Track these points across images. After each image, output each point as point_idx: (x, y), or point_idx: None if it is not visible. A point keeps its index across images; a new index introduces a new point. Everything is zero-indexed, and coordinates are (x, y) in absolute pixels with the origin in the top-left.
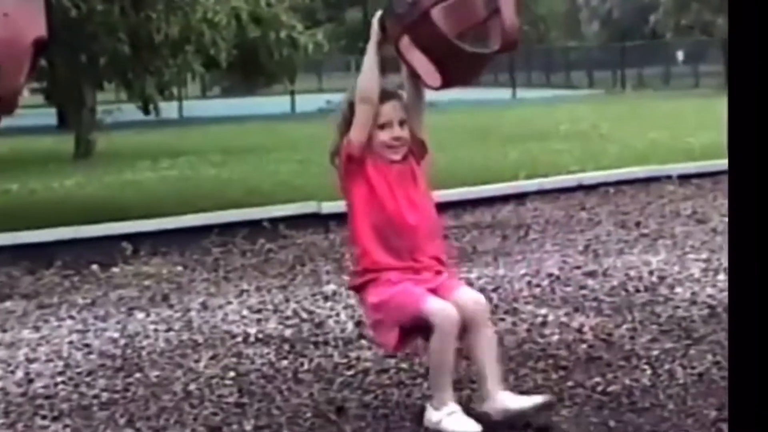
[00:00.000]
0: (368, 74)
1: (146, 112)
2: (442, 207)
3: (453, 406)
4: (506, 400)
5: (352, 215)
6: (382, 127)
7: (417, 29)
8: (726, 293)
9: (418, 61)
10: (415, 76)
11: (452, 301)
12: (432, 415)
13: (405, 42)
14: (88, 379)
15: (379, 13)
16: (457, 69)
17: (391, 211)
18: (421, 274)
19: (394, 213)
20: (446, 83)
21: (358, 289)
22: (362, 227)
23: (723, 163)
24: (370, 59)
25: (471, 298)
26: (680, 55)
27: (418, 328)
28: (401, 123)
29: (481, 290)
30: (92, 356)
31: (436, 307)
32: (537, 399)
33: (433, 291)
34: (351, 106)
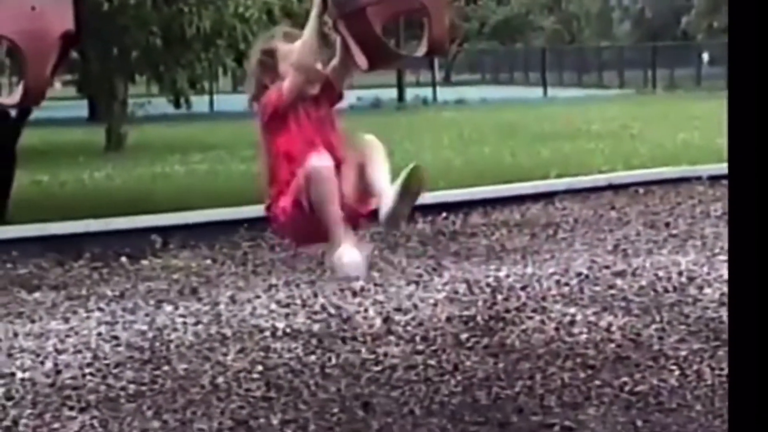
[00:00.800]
0: (308, 44)
1: (177, 105)
2: (472, 204)
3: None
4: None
5: (273, 158)
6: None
7: (352, 20)
8: None
9: (351, 42)
10: (347, 51)
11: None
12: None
13: (341, 23)
14: (115, 371)
15: None
16: (383, 60)
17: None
18: None
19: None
20: (371, 68)
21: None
22: (280, 170)
23: None
24: (310, 29)
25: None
26: (706, 56)
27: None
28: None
29: (510, 288)
30: (120, 348)
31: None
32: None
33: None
34: (270, 56)
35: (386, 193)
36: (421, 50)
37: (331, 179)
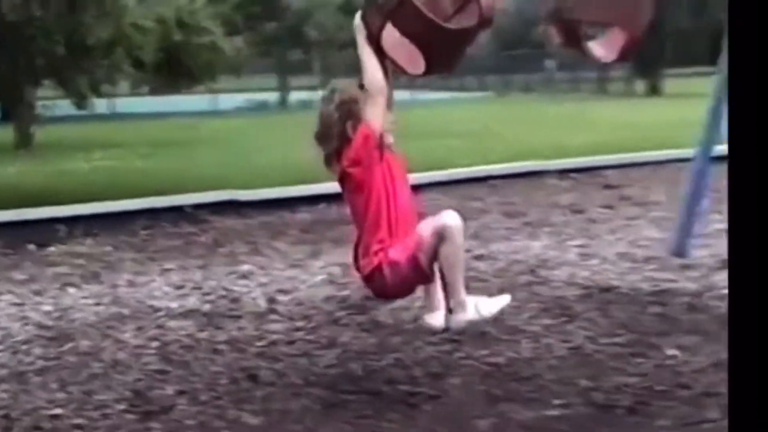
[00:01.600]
0: (372, 67)
1: (80, 107)
2: (334, 198)
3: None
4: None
5: (375, 197)
6: None
7: (399, 14)
8: (599, 275)
9: (399, 52)
10: (396, 69)
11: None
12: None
13: (386, 34)
14: (24, 347)
15: (359, 13)
16: (440, 50)
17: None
18: None
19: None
20: (429, 68)
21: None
22: (390, 206)
23: (597, 159)
24: (367, 53)
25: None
26: (549, 63)
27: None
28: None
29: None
30: (29, 327)
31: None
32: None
33: None
34: (353, 101)
35: (462, 304)
36: (471, 23)
37: (461, 240)
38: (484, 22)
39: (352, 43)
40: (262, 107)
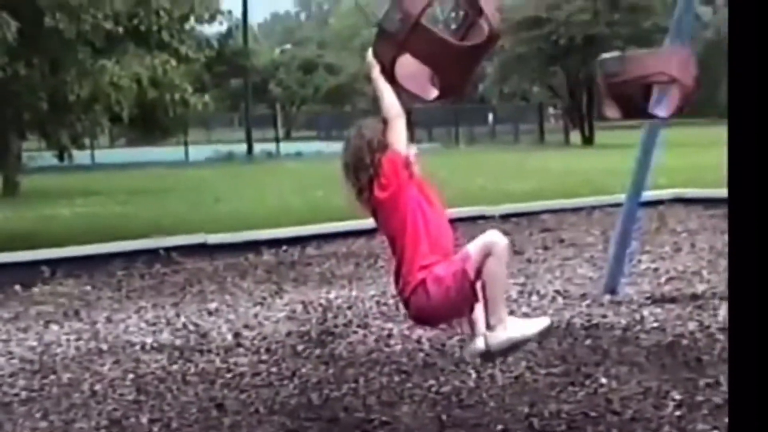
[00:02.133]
0: (389, 95)
1: (61, 159)
2: (307, 239)
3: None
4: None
5: (411, 218)
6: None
7: (412, 40)
8: (537, 311)
9: (412, 81)
10: (411, 97)
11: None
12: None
13: (399, 66)
14: (10, 380)
15: (371, 49)
16: (453, 70)
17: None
18: None
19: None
20: (443, 92)
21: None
22: (427, 227)
23: (536, 205)
24: (382, 84)
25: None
26: (490, 117)
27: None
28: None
29: (338, 308)
30: (14, 361)
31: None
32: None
33: None
34: (378, 132)
35: (503, 321)
36: (479, 41)
37: (507, 258)
38: (493, 37)
39: (312, 99)
40: (229, 158)
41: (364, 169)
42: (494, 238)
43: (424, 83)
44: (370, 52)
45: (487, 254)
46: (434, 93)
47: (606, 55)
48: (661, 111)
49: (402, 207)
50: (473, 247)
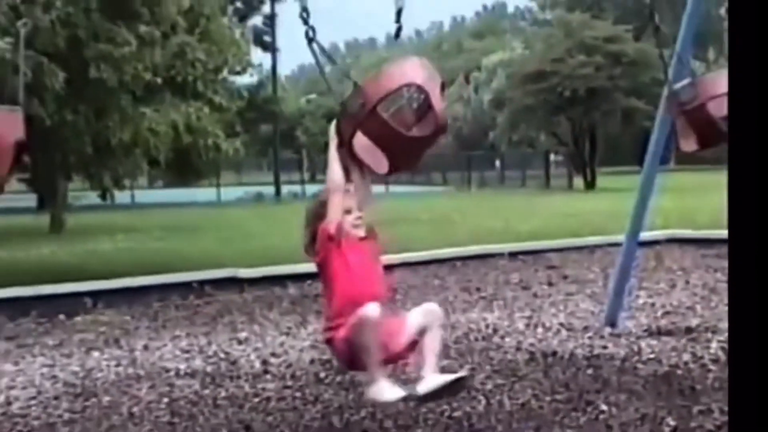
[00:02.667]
0: (336, 169)
1: (104, 198)
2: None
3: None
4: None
5: (331, 281)
6: (347, 212)
7: (368, 123)
8: (543, 342)
9: (368, 155)
10: (366, 170)
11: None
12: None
13: (356, 140)
14: (54, 402)
15: (334, 122)
16: (402, 153)
17: (365, 279)
18: None
19: (368, 281)
20: (392, 168)
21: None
22: (341, 290)
23: (541, 244)
24: (332, 158)
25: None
26: (497, 163)
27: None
28: (359, 208)
29: None
30: (58, 385)
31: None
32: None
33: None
34: (321, 205)
35: (432, 373)
36: (427, 131)
37: (375, 329)
38: (439, 130)
39: None
40: (258, 198)
41: (308, 232)
42: (364, 312)
43: (379, 157)
44: (332, 126)
45: (425, 322)
46: (386, 167)
47: (678, 85)
48: None
49: (328, 271)
50: (413, 315)
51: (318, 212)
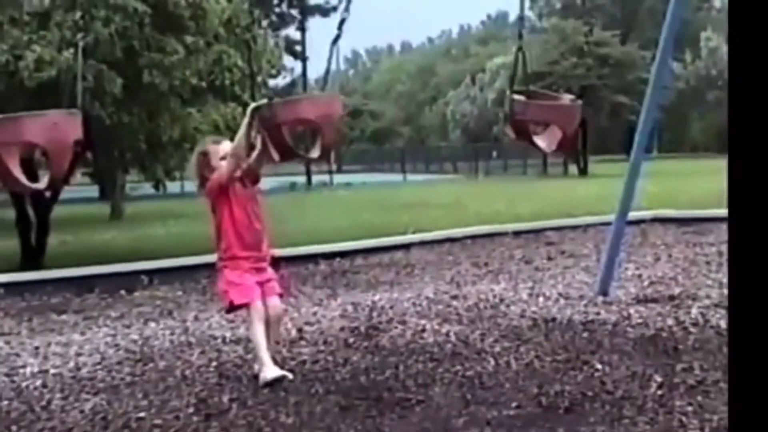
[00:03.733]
0: (239, 141)
1: (157, 189)
2: (356, 252)
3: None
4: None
5: (219, 222)
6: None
7: (270, 131)
8: (544, 310)
9: (269, 144)
10: (265, 149)
11: (264, 302)
12: (261, 375)
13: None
14: (117, 367)
15: (252, 105)
16: (289, 157)
17: (246, 219)
18: (260, 263)
19: (248, 221)
20: (281, 161)
21: (222, 268)
22: (227, 230)
23: (541, 224)
24: (241, 133)
25: (274, 305)
26: (494, 153)
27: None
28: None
29: (382, 308)
30: (120, 352)
31: (256, 308)
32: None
33: (261, 284)
34: (204, 155)
35: (265, 362)
36: (315, 153)
37: (261, 322)
38: (323, 156)
39: (359, 139)
40: (291, 187)
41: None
42: (274, 302)
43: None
44: (251, 106)
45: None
46: (277, 158)
47: (514, 97)
48: (545, 145)
49: (217, 213)
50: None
51: (201, 160)
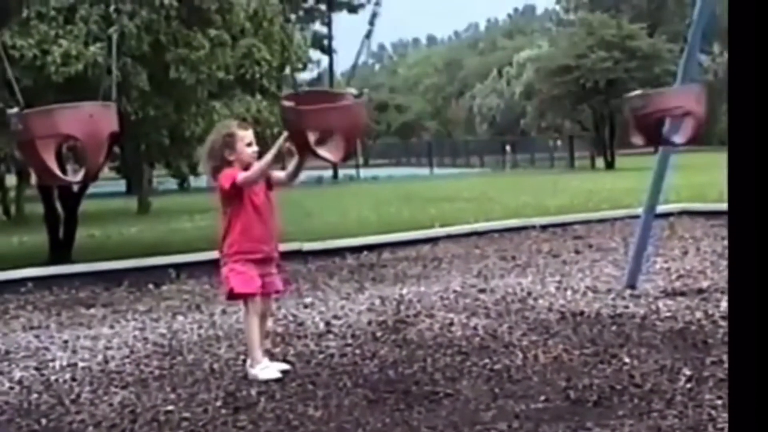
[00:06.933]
0: (263, 166)
1: (181, 185)
2: (383, 246)
3: (265, 362)
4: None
5: (231, 215)
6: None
7: (293, 137)
8: (571, 303)
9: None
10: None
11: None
12: (251, 371)
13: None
14: (146, 360)
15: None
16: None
17: (257, 215)
18: (266, 260)
19: (259, 217)
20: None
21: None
22: (237, 224)
23: (569, 217)
24: (268, 158)
25: (266, 300)
26: (508, 148)
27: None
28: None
29: (409, 301)
30: (148, 345)
31: (254, 302)
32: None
33: (262, 277)
34: (231, 137)
35: (258, 359)
36: (334, 158)
37: (256, 317)
38: (340, 161)
39: (385, 133)
40: (318, 181)
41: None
42: (251, 304)
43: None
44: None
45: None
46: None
47: (631, 94)
48: (678, 138)
49: (231, 210)
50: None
51: (227, 141)
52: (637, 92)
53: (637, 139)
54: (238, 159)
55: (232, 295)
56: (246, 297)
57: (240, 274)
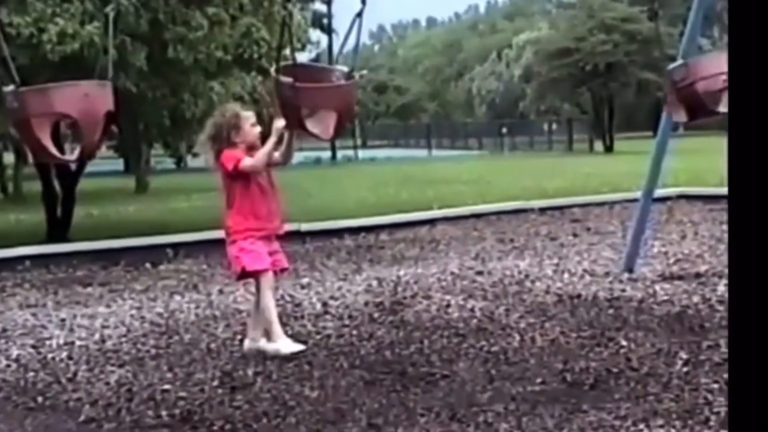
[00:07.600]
0: (265, 154)
1: (178, 164)
2: (381, 227)
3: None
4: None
5: (234, 194)
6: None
7: (286, 112)
8: (569, 286)
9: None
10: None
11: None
12: (270, 346)
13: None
14: (142, 339)
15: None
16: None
17: (260, 193)
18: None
19: (263, 195)
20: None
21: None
22: (243, 203)
23: (567, 200)
24: (268, 147)
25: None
26: (504, 130)
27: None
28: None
29: (406, 283)
30: (145, 324)
31: (268, 277)
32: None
33: (270, 254)
34: (237, 117)
35: (279, 333)
36: (324, 135)
37: (272, 292)
38: (334, 136)
39: (384, 115)
40: (317, 162)
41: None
42: (267, 279)
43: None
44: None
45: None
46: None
47: (673, 65)
48: (724, 107)
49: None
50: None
51: (233, 122)
52: (679, 62)
53: (680, 115)
54: (244, 140)
55: (243, 274)
56: (258, 274)
57: (250, 252)
